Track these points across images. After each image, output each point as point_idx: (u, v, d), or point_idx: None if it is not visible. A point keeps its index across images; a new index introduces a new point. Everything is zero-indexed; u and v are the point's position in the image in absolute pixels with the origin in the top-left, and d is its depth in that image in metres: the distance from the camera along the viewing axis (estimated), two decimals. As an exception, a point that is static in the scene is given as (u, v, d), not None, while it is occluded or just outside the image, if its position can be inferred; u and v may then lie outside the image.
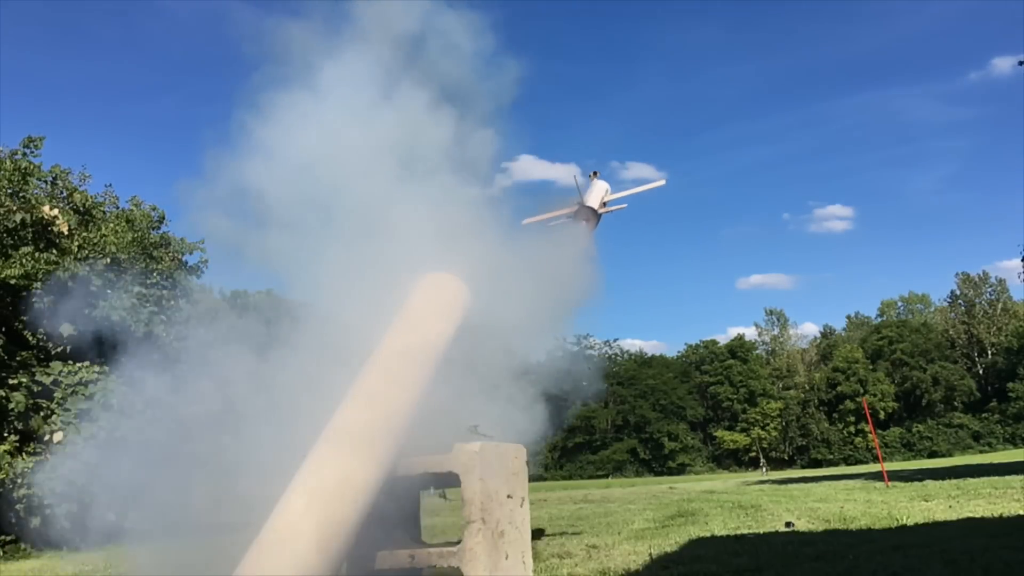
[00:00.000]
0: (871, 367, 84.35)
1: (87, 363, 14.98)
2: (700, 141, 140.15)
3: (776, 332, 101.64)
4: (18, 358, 14.74)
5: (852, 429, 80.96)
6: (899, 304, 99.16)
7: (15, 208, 15.09)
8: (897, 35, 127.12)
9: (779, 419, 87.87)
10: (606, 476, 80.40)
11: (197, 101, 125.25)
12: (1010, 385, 79.92)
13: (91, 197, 17.50)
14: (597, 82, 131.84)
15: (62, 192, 16.86)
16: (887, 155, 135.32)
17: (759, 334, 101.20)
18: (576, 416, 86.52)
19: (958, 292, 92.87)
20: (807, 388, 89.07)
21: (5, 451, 13.59)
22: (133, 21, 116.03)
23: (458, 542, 2.34)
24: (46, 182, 16.64)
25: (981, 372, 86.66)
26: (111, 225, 17.02)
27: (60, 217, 16.03)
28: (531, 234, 9.08)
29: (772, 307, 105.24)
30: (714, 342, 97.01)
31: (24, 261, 14.48)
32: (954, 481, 14.05)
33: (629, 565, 6.09)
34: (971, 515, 8.21)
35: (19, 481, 13.41)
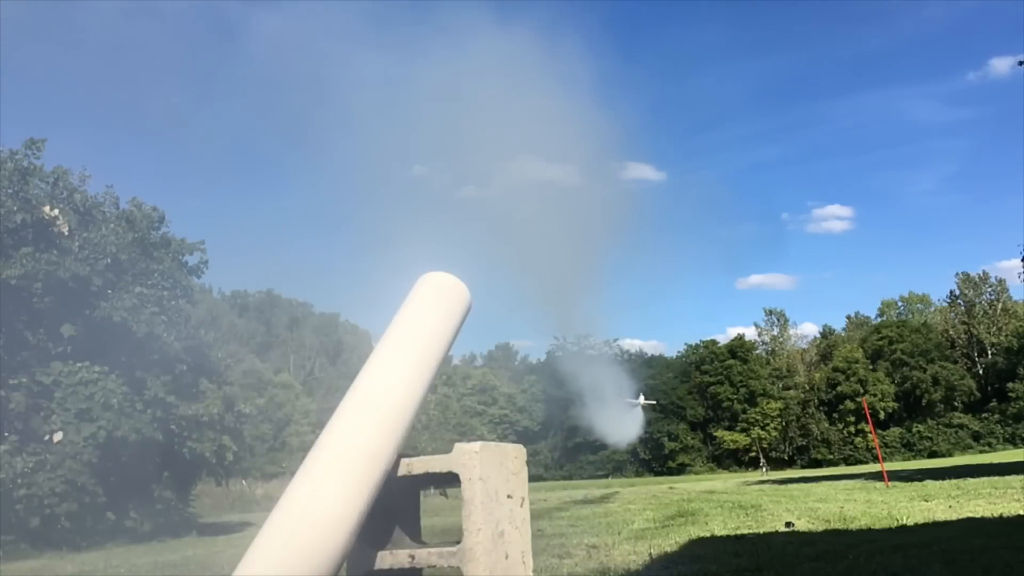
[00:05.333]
0: (871, 367, 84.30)
1: (87, 363, 14.96)
2: (700, 141, 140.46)
3: (776, 332, 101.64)
4: (18, 358, 14.74)
5: (852, 429, 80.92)
6: (899, 304, 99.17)
7: (15, 208, 15.07)
8: (897, 35, 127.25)
9: (779, 419, 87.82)
10: (606, 476, 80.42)
11: (198, 101, 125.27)
12: (1010, 385, 79.89)
13: (91, 197, 17.47)
14: (597, 82, 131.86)
15: (62, 192, 16.83)
16: (887, 155, 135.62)
17: (759, 334, 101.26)
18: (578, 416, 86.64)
19: (958, 292, 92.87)
20: (807, 388, 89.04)
21: (5, 451, 13.58)
22: (133, 21, 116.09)
23: (458, 542, 2.33)
24: (47, 182, 16.61)
25: (981, 372, 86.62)
26: (111, 225, 16.99)
27: (60, 217, 16.01)
28: None
29: (772, 307, 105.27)
30: (714, 342, 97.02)
31: (24, 261, 14.46)
32: (954, 481, 14.06)
33: (629, 565, 6.09)
34: (971, 515, 8.21)
35: (19, 481, 13.39)
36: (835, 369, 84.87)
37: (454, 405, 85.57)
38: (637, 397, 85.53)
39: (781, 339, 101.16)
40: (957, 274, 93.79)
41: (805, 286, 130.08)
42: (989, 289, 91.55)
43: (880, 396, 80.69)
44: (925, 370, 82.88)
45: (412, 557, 2.43)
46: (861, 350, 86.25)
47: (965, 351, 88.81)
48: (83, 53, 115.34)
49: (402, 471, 2.51)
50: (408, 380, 2.64)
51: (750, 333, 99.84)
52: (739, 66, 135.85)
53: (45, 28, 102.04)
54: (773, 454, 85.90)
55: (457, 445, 2.45)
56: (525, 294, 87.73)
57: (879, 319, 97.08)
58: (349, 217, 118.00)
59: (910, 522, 7.97)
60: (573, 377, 76.92)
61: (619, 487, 38.15)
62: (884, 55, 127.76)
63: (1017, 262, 41.16)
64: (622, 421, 78.48)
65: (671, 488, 26.90)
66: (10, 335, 14.67)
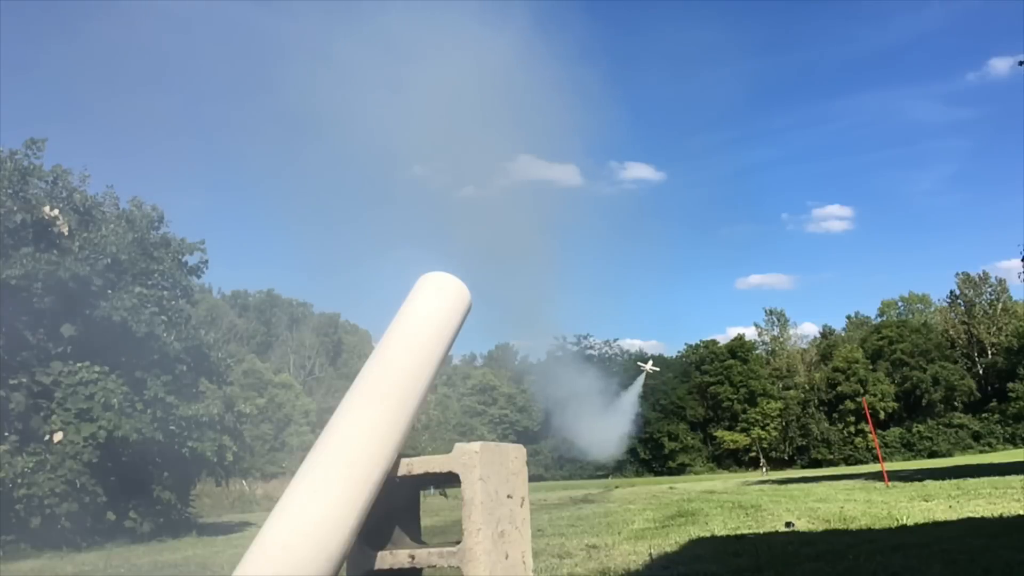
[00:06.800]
0: (871, 367, 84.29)
1: (87, 363, 14.96)
2: (700, 141, 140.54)
3: (776, 332, 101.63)
4: (18, 358, 14.73)
5: (852, 429, 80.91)
6: (899, 304, 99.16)
7: (15, 208, 15.07)
8: (897, 35, 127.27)
9: (779, 419, 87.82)
10: (606, 476, 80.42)
11: (198, 101, 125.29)
12: (1010, 385, 79.88)
13: (91, 197, 17.47)
14: (597, 82, 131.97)
15: (62, 192, 16.83)
16: (887, 155, 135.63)
17: (759, 334, 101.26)
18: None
19: (958, 292, 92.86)
20: (807, 388, 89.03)
21: (5, 451, 13.58)
22: (133, 21, 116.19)
23: (458, 542, 2.34)
24: (46, 182, 16.62)
25: (981, 372, 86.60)
26: (111, 225, 16.99)
27: (60, 217, 16.01)
28: None
29: (772, 307, 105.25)
30: (714, 342, 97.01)
31: (24, 261, 14.46)
32: (954, 481, 14.06)
33: (629, 565, 6.09)
34: (971, 515, 8.21)
35: (19, 481, 13.39)
36: (835, 369, 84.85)
37: (454, 405, 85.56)
38: (640, 375, 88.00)
39: (781, 339, 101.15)
40: (957, 274, 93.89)
41: (805, 286, 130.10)
42: (989, 289, 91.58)
43: (880, 396, 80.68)
44: (925, 370, 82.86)
45: (412, 557, 2.43)
46: (861, 350, 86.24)
47: (965, 351, 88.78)
48: (84, 53, 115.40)
49: (402, 471, 2.51)
50: (408, 380, 2.64)
51: (750, 333, 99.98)
52: (739, 66, 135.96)
53: (45, 28, 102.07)
54: (773, 454, 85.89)
55: (457, 445, 2.45)
56: (524, 294, 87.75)
57: (879, 319, 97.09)
58: (349, 217, 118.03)
59: (910, 522, 7.97)
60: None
61: (619, 487, 38.15)
62: (884, 55, 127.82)
63: (1017, 262, 41.21)
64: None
65: (671, 488, 26.90)
66: (10, 335, 14.66)
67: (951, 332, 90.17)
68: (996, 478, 14.06)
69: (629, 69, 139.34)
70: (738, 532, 8.22)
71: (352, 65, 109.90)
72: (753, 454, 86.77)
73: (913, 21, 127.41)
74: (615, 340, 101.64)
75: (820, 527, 8.18)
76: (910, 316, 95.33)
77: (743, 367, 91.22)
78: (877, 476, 18.77)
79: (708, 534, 8.12)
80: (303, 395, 67.59)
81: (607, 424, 79.22)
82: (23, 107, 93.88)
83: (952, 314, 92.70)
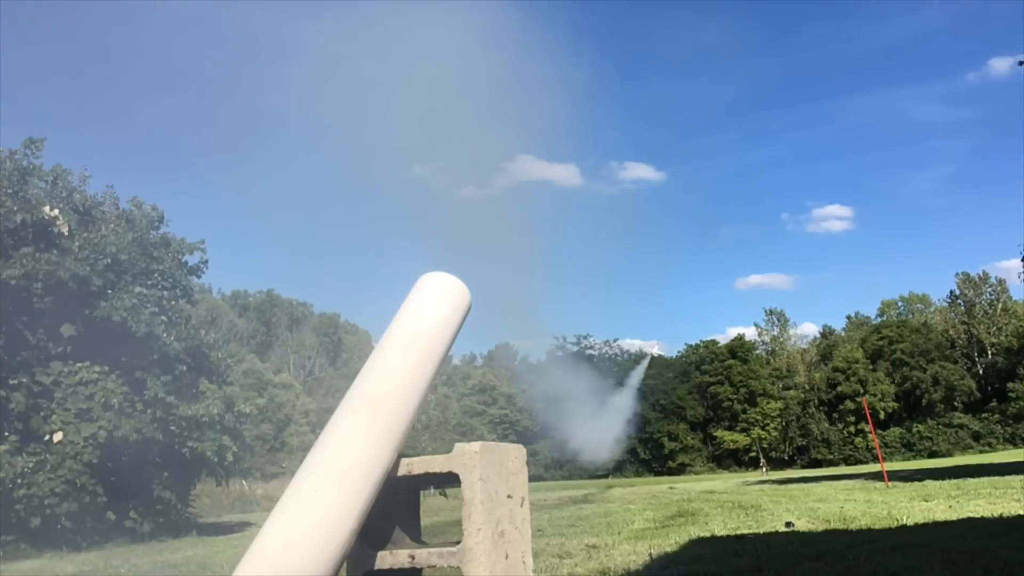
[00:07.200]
0: (871, 367, 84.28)
1: (87, 363, 14.95)
2: (700, 141, 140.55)
3: (776, 332, 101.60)
4: (18, 358, 14.72)
5: (852, 429, 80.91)
6: (899, 304, 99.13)
7: (15, 208, 15.06)
8: (897, 35, 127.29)
9: (779, 419, 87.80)
10: (606, 476, 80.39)
11: (198, 101, 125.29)
12: (1010, 385, 79.87)
13: (91, 197, 17.46)
14: (597, 82, 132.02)
15: (62, 192, 16.82)
16: (887, 155, 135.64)
17: (759, 334, 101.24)
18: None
19: (958, 292, 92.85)
20: (807, 388, 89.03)
21: (5, 451, 13.57)
22: (133, 21, 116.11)
23: (458, 542, 2.34)
24: (46, 182, 16.61)
25: (981, 372, 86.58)
26: (111, 225, 16.98)
27: (60, 217, 16.00)
28: None
29: (772, 307, 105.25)
30: (714, 342, 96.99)
31: (24, 261, 14.45)
32: (954, 481, 14.05)
33: (629, 565, 6.09)
34: (971, 515, 8.21)
35: (19, 481, 13.38)
36: (835, 369, 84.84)
37: (454, 405, 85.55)
38: (643, 360, 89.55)
39: (781, 339, 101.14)
40: (957, 274, 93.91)
41: (805, 286, 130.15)
42: (989, 289, 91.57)
43: (880, 396, 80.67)
44: (925, 370, 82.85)
45: (412, 557, 2.43)
46: (861, 350, 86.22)
47: (965, 351, 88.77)
48: (83, 53, 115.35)
49: (402, 471, 2.51)
50: (408, 380, 2.64)
51: (750, 333, 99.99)
52: (739, 66, 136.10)
53: (45, 28, 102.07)
54: (773, 454, 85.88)
55: (457, 445, 2.45)
56: (524, 294, 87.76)
57: (879, 319, 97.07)
58: (349, 217, 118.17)
59: (910, 522, 7.97)
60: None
61: (619, 487, 38.14)
62: (884, 55, 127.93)
63: (1017, 262, 41.21)
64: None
65: (671, 488, 26.90)
66: (10, 335, 14.66)
67: (951, 332, 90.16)
68: (996, 478, 14.06)
69: (629, 69, 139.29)
70: (738, 532, 8.22)
71: (352, 65, 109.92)
72: (753, 454, 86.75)
73: (913, 21, 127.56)
74: (615, 340, 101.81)
75: (820, 527, 8.18)
76: (910, 316, 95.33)
77: (743, 367, 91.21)
78: (877, 476, 18.77)
79: (708, 534, 8.12)
80: (303, 395, 67.58)
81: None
82: (23, 107, 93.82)
83: (952, 314, 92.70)
